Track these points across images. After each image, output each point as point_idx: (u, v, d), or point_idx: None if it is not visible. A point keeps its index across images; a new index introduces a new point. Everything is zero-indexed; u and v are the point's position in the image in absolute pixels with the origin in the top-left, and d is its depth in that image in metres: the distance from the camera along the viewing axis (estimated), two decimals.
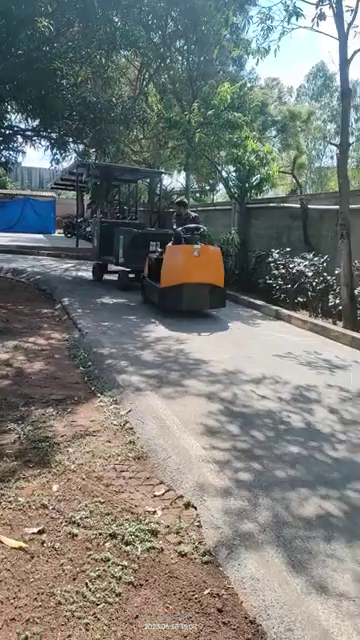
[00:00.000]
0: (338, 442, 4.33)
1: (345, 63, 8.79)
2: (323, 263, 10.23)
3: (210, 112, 13.30)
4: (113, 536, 2.94)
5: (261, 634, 2.35)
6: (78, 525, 3.02)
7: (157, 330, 8.03)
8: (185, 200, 10.86)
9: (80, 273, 14.55)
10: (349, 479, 3.72)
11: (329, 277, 9.84)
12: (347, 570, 2.76)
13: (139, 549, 2.86)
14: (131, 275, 11.82)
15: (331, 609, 2.48)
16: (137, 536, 2.96)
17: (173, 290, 8.67)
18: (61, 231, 30.63)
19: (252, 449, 4.09)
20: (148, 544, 2.90)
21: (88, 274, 14.03)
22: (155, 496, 3.43)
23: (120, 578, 2.62)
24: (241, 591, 2.60)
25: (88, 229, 22.10)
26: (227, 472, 3.70)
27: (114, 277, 12.88)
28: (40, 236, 27.02)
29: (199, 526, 3.11)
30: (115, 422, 4.49)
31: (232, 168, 13.89)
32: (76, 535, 2.93)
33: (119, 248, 11.88)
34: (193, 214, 10.29)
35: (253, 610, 2.47)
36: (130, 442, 4.12)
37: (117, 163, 19.35)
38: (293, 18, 9.03)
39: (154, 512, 3.25)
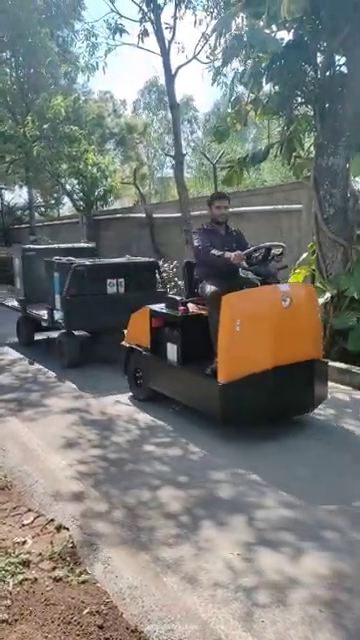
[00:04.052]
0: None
1: (170, 78, 9.25)
2: (173, 269, 10.61)
3: (46, 125, 13.10)
4: None
5: (144, 638, 2.36)
6: None
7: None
8: (224, 193, 5.83)
9: None
10: (207, 474, 3.90)
11: (180, 282, 10.24)
12: (218, 559, 2.89)
13: (11, 584, 2.71)
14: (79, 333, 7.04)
15: (207, 600, 2.58)
16: (7, 570, 2.80)
17: (248, 386, 4.25)
18: None
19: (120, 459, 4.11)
20: (20, 576, 2.76)
21: None
22: (24, 525, 3.28)
23: None
24: (120, 603, 2.59)
25: None
26: (95, 482, 3.67)
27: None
28: None
29: (73, 547, 3.03)
30: None
31: (75, 181, 13.83)
32: None
33: (55, 294, 6.88)
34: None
35: (134, 619, 2.48)
36: None
37: None
38: (117, 35, 9.27)
39: (24, 542, 3.11)
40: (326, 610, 2.52)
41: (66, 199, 20.64)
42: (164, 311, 5.05)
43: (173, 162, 9.55)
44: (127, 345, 5.51)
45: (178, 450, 4.28)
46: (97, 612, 2.54)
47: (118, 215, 13.61)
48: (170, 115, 9.74)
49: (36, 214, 19.75)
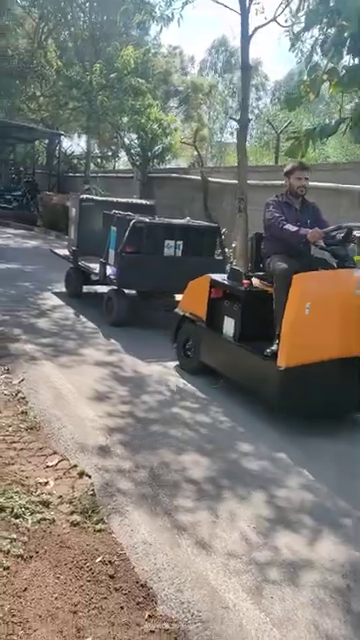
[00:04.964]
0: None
1: (246, 38, 8.87)
2: (222, 235, 10.42)
3: (113, 75, 12.89)
4: (1, 509, 2.82)
5: (151, 597, 2.38)
6: None
7: None
8: (307, 164, 5.14)
9: None
10: (234, 445, 3.87)
11: (227, 250, 10.08)
12: (235, 529, 2.88)
13: (29, 521, 2.77)
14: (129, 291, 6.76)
15: (219, 568, 2.58)
16: (27, 508, 2.87)
17: (309, 374, 4.01)
18: None
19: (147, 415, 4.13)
20: (39, 516, 2.82)
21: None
22: (48, 467, 3.35)
23: (8, 552, 2.52)
24: (133, 556, 2.62)
25: None
26: (122, 438, 3.70)
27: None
28: None
29: (93, 495, 3.08)
30: (6, 392, 4.30)
31: (134, 135, 13.66)
32: None
33: (109, 249, 6.67)
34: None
35: (144, 574, 2.51)
36: (22, 412, 3.98)
37: (12, 120, 18.21)
38: None
39: (46, 483, 3.17)
40: (337, 597, 2.49)
41: (122, 153, 20.48)
42: (226, 282, 4.79)
43: (235, 127, 9.27)
44: (180, 313, 5.25)
45: (207, 418, 4.26)
46: (109, 562, 2.58)
47: (174, 175, 13.41)
48: (238, 78, 9.36)
49: (91, 164, 19.70)
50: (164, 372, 5.14)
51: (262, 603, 2.39)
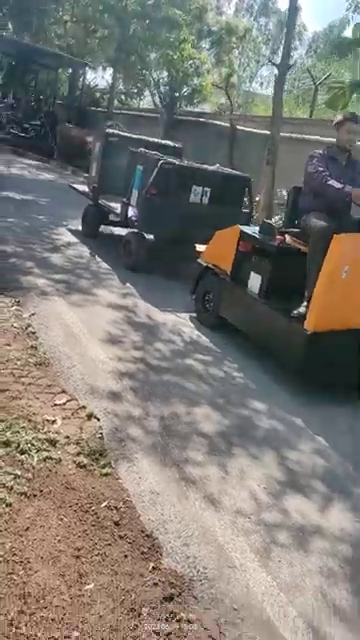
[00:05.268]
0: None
1: None
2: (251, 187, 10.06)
3: (151, 1, 12.12)
4: (6, 444, 2.73)
5: (157, 548, 2.31)
6: None
7: None
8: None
9: None
10: (246, 402, 3.76)
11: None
12: (244, 488, 2.79)
13: (35, 458, 2.68)
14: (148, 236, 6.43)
15: (227, 525, 2.50)
16: (33, 445, 2.77)
17: (338, 341, 3.91)
18: None
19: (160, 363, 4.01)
20: (45, 453, 2.73)
21: (0, 166, 12.60)
22: (56, 405, 3.24)
23: (12, 488, 2.44)
24: (140, 505, 2.54)
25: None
26: (133, 384, 3.59)
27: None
28: None
29: (101, 438, 2.98)
30: (16, 325, 4.15)
31: (165, 73, 13.00)
32: None
33: (133, 189, 6.29)
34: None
35: (150, 524, 2.43)
36: (32, 347, 3.84)
37: (38, 44, 17.36)
38: None
39: (54, 421, 3.07)
40: (346, 567, 2.42)
41: (147, 92, 19.63)
42: (257, 236, 4.47)
43: (264, 78, 8.74)
44: (203, 263, 4.98)
45: (220, 372, 4.14)
46: (115, 507, 2.50)
47: (201, 119, 12.85)
48: (273, 24, 8.75)
49: (116, 101, 18.92)
50: (179, 322, 4.99)
51: (269, 566, 2.32)
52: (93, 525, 2.37)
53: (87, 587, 2.05)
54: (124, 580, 2.11)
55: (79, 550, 2.21)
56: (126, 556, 2.24)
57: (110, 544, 2.28)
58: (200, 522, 2.47)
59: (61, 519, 2.36)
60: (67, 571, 2.09)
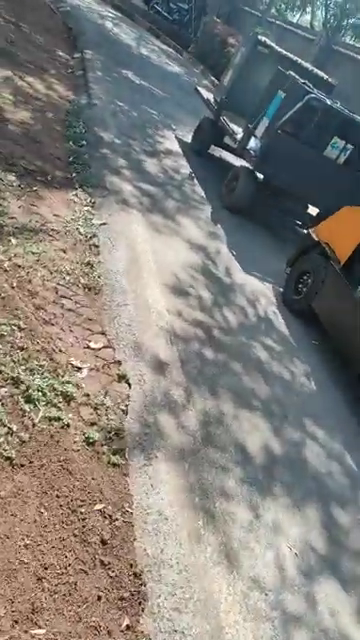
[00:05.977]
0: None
1: None
2: None
3: None
4: (15, 383, 2.19)
5: (141, 598, 1.78)
6: None
7: None
8: None
9: (124, 37, 11.58)
10: (304, 422, 3.10)
11: None
12: (272, 547, 2.20)
13: (40, 414, 2.14)
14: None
15: (237, 598, 1.94)
16: (45, 395, 2.23)
17: None
18: None
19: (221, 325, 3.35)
20: (54, 411, 2.19)
21: (131, 40, 11.38)
22: (88, 348, 2.66)
23: None
24: (140, 525, 2.00)
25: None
26: (184, 354, 2.96)
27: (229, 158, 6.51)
28: None
29: (124, 412, 2.41)
30: (82, 230, 3.53)
31: None
32: None
33: (264, 117, 5.26)
34: None
35: (144, 559, 1.89)
36: (88, 264, 3.23)
37: None
38: None
39: (79, 369, 2.51)
40: None
41: (309, 9, 17.40)
42: None
43: None
44: (314, 237, 4.12)
45: (287, 371, 3.45)
46: (109, 517, 1.96)
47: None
48: None
49: (272, 8, 16.92)
50: (259, 290, 4.24)
51: None
52: (75, 535, 1.84)
53: (36, 632, 1.54)
54: (86, 636, 1.59)
55: (46, 569, 1.70)
56: (100, 598, 1.71)
57: (87, 572, 1.76)
58: (205, 582, 1.91)
59: (40, 513, 1.84)
60: (20, 597, 1.57)
